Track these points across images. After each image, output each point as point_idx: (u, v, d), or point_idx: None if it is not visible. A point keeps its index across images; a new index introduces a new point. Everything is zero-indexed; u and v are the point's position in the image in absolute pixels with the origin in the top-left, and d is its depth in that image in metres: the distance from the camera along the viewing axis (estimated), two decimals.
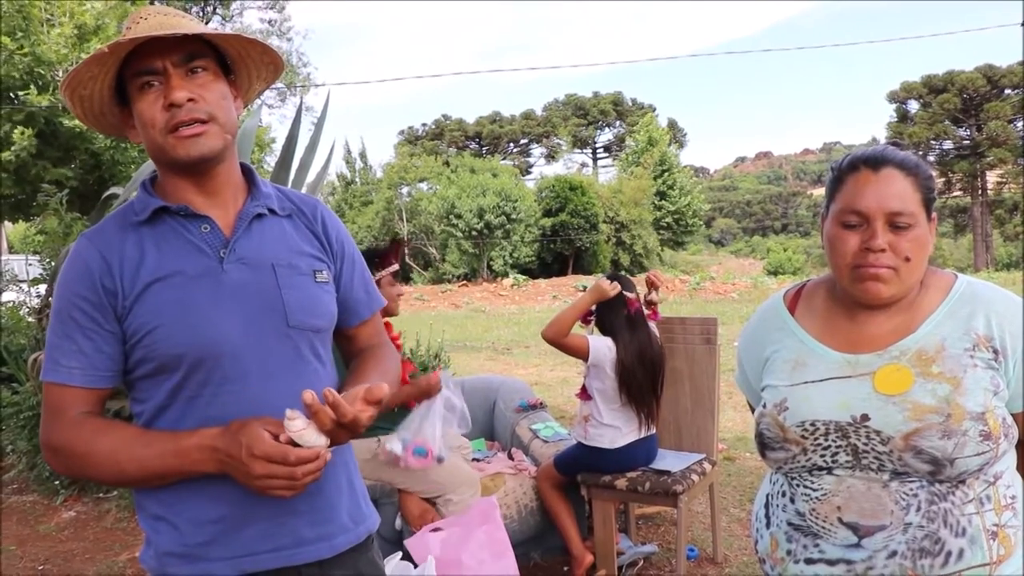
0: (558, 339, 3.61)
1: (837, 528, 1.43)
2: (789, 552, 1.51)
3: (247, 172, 1.54)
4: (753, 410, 1.79)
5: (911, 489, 1.39)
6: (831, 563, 1.44)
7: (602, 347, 3.62)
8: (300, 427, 1.28)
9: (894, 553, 1.39)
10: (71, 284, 1.40)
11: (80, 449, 1.36)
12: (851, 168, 1.49)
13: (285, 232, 1.53)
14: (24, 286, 7.68)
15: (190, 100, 1.36)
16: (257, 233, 1.48)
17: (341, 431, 1.29)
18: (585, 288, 24.89)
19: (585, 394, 3.73)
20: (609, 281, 3.64)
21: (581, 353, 3.64)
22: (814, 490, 1.47)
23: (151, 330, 1.37)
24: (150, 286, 1.38)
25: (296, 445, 1.28)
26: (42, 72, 8.80)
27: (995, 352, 1.42)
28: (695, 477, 3.64)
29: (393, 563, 3.02)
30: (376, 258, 3.54)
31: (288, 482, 1.28)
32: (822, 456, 1.45)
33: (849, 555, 1.42)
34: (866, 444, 1.41)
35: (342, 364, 1.70)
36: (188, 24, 1.38)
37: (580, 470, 3.73)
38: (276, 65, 1.54)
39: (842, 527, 1.43)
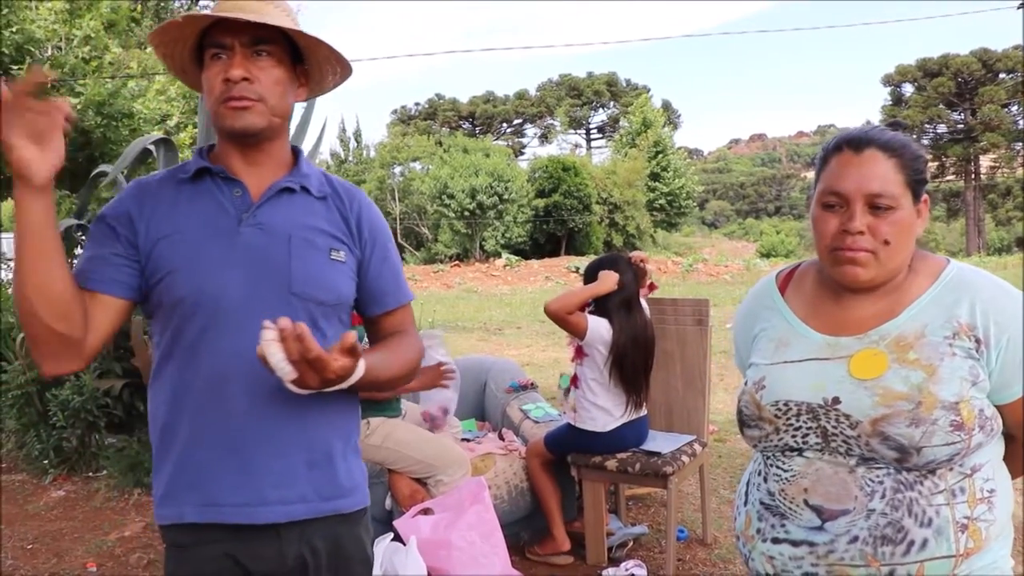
0: (561, 314, 3.58)
1: (802, 510, 1.44)
2: (759, 530, 1.52)
3: (297, 154, 1.66)
4: None
5: (877, 476, 1.38)
6: (795, 544, 1.45)
7: (600, 328, 3.61)
8: (270, 337, 1.29)
9: (855, 538, 1.38)
10: (106, 212, 1.56)
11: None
12: (835, 149, 1.47)
13: (312, 210, 1.61)
14: (13, 264, 7.61)
15: (244, 79, 1.48)
16: (284, 205, 1.58)
17: (309, 371, 1.32)
18: (578, 269, 24.93)
19: (580, 354, 3.72)
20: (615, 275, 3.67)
21: (579, 331, 3.62)
22: (784, 471, 1.48)
23: (166, 274, 1.50)
24: (170, 236, 1.52)
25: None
26: (31, 49, 8.71)
27: (977, 341, 1.39)
28: (685, 459, 3.65)
29: (384, 543, 3.02)
30: None
31: None
32: (793, 437, 1.46)
33: (812, 537, 1.42)
34: (835, 427, 1.41)
35: None
36: (262, 8, 1.50)
37: (570, 451, 3.73)
38: (343, 64, 1.65)
39: (807, 509, 1.43)
